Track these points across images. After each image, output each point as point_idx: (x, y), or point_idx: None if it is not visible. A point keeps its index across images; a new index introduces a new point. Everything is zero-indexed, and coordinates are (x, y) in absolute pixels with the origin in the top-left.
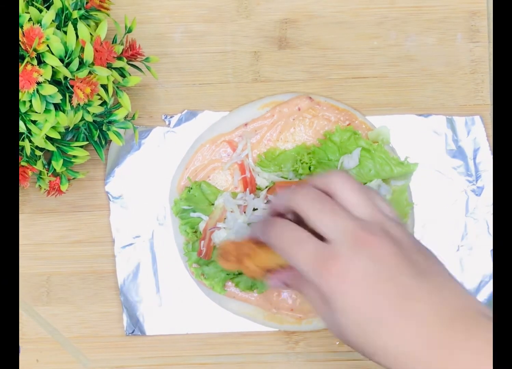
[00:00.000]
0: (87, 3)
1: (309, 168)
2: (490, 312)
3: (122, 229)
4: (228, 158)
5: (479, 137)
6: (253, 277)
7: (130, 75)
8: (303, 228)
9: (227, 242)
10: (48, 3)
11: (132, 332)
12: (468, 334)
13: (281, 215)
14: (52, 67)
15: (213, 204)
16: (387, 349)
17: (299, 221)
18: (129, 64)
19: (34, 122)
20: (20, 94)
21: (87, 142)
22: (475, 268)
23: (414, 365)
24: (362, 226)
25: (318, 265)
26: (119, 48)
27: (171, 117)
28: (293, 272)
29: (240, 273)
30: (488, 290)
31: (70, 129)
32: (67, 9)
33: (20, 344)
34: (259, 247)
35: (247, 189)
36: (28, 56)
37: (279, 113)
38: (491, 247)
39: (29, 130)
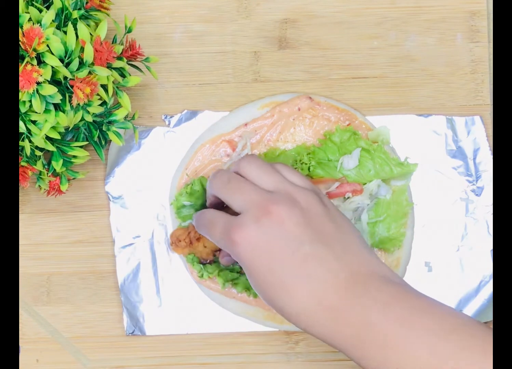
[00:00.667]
0: (87, 3)
1: (309, 168)
2: (392, 276)
3: (122, 229)
4: (228, 158)
5: (479, 137)
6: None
7: (130, 75)
8: (220, 211)
9: (177, 229)
10: (48, 3)
11: (132, 332)
12: (360, 293)
13: (219, 204)
14: (52, 67)
15: None
16: (288, 311)
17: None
18: (129, 64)
19: (34, 122)
20: (20, 94)
21: (87, 142)
22: (475, 268)
23: (313, 323)
24: (267, 197)
25: (225, 236)
26: (119, 48)
27: (171, 117)
28: None
29: (238, 272)
30: (488, 290)
31: (70, 129)
32: (67, 9)
33: (20, 344)
34: None
35: None
36: (28, 56)
37: (279, 113)
38: (491, 247)
39: (29, 130)
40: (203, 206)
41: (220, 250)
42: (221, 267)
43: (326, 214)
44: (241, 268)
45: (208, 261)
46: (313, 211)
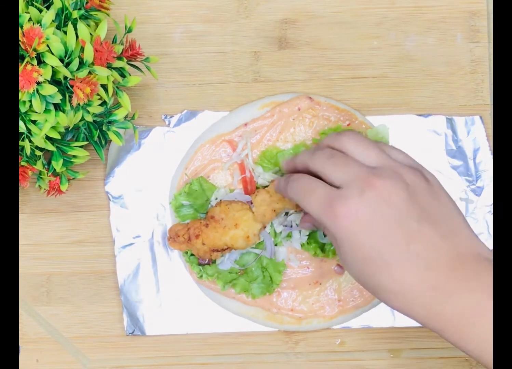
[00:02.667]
0: (87, 3)
1: None
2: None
3: (122, 229)
4: (228, 158)
5: (479, 137)
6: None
7: (130, 75)
8: (318, 179)
9: (176, 224)
10: (48, 3)
11: (132, 332)
12: (468, 276)
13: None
14: (52, 67)
15: (207, 200)
16: (386, 289)
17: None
18: (129, 64)
19: (34, 122)
20: (20, 94)
21: (87, 142)
22: None
23: (412, 303)
24: (373, 171)
25: (326, 207)
26: (119, 48)
27: (171, 117)
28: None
29: (237, 273)
30: None
31: (70, 129)
32: (67, 9)
33: (20, 344)
34: (206, 227)
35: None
36: (28, 56)
37: (279, 113)
38: (491, 247)
39: (29, 130)
40: (202, 205)
41: (217, 250)
42: (220, 269)
43: (431, 191)
44: (242, 268)
45: (206, 261)
46: (419, 188)
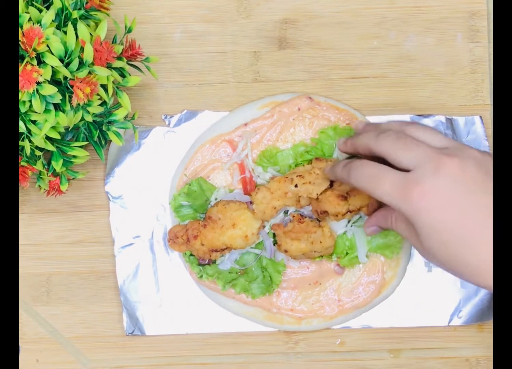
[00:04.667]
0: (87, 3)
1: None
2: None
3: (122, 229)
4: (228, 158)
5: (479, 137)
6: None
7: (130, 75)
8: (384, 165)
9: (175, 226)
10: (48, 3)
11: (132, 332)
12: None
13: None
14: (52, 67)
15: (207, 200)
16: (472, 267)
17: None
18: (129, 64)
19: (34, 122)
20: (20, 94)
21: (87, 142)
22: None
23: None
24: (442, 151)
25: (401, 191)
26: (119, 48)
27: (171, 117)
28: (380, 213)
29: (237, 273)
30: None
31: (70, 129)
32: (67, 9)
33: (20, 344)
34: (204, 228)
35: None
36: (28, 56)
37: (279, 113)
38: None
39: (29, 130)
40: (202, 206)
41: (216, 250)
42: (220, 269)
43: (490, 164)
44: (242, 268)
45: (206, 261)
46: (485, 163)
